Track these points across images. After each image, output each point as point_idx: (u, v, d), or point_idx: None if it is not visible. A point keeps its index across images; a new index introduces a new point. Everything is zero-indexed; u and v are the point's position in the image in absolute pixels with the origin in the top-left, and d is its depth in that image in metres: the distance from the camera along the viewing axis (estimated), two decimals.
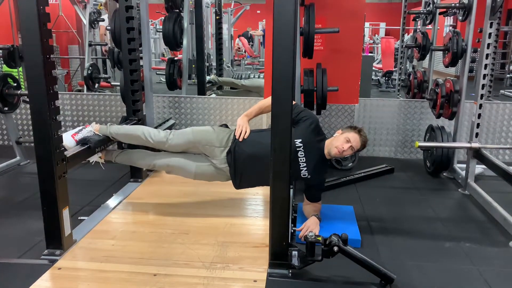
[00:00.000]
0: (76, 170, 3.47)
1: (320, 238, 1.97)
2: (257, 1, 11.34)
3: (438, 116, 3.52)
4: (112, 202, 2.84)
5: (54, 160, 2.01)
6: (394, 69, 8.66)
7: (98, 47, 6.82)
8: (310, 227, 2.37)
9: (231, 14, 9.97)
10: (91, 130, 2.54)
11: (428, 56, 4.72)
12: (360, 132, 2.47)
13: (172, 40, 4.39)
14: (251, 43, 13.99)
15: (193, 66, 6.60)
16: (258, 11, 14.02)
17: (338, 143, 2.42)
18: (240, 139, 2.45)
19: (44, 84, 1.92)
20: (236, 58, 11.78)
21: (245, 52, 12.80)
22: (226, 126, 2.64)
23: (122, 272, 1.98)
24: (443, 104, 3.42)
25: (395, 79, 8.05)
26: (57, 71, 7.69)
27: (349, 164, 3.74)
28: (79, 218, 2.60)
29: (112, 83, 5.56)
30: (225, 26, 9.03)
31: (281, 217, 1.95)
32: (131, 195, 2.97)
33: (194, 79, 7.07)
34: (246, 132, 2.47)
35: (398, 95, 6.18)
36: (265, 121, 3.97)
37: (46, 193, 2.04)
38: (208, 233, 2.40)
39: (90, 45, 5.81)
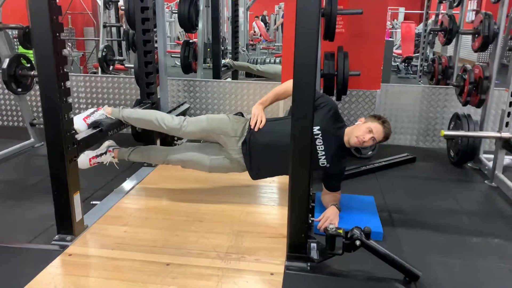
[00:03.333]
0: None
1: (341, 231, 1.87)
2: None
3: (465, 104, 3.34)
4: (125, 186, 2.78)
5: (64, 144, 1.93)
6: (414, 54, 8.37)
7: (113, 29, 6.73)
8: (330, 218, 2.27)
9: None
10: (103, 113, 2.46)
11: (454, 41, 4.50)
12: (384, 123, 2.33)
13: (187, 22, 4.28)
14: (267, 27, 13.74)
15: (208, 49, 6.47)
16: None
17: (359, 132, 2.29)
18: (256, 129, 2.35)
19: (53, 64, 1.84)
20: (251, 43, 11.57)
21: (260, 36, 12.58)
22: (241, 114, 2.54)
23: (134, 260, 1.91)
24: (471, 91, 3.24)
25: (415, 65, 7.79)
26: (73, 53, 7.67)
27: (369, 153, 3.60)
28: (91, 202, 2.56)
29: (126, 65, 5.48)
30: (241, 10, 8.83)
31: (300, 208, 1.86)
32: (145, 180, 2.90)
33: (209, 63, 6.95)
34: (261, 121, 2.36)
35: (420, 81, 5.96)
36: (281, 108, 3.84)
37: (57, 178, 1.98)
38: (222, 222, 2.32)
39: (104, 26, 5.73)
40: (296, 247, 1.91)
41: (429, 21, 7.40)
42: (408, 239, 2.29)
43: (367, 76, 3.46)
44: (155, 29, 3.26)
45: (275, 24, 13.35)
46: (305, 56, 1.71)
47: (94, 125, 2.36)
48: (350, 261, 1.94)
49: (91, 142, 2.25)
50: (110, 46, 5.61)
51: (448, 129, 3.63)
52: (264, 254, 1.99)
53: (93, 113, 2.43)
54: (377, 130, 2.30)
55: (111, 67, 5.30)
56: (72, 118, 2.01)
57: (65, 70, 1.92)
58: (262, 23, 13.11)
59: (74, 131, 2.05)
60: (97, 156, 2.56)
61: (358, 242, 1.83)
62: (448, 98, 3.89)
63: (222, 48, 6.30)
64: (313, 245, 1.97)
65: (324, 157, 2.32)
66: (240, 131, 2.39)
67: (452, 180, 3.22)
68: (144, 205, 2.58)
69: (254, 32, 12.64)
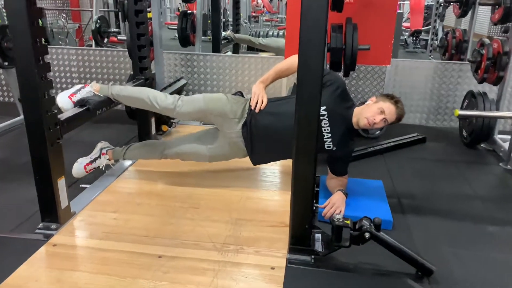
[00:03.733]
0: (82, 132, 3.25)
1: (348, 222, 1.71)
2: None
3: (481, 81, 3.12)
4: (118, 168, 2.61)
5: (45, 124, 1.76)
6: (422, 28, 8.03)
7: None
8: (336, 205, 2.11)
9: None
10: (90, 90, 2.26)
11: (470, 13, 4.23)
12: (397, 104, 2.14)
13: None
14: None
15: (209, 21, 6.18)
16: None
17: (370, 113, 2.10)
18: (257, 110, 2.16)
19: (29, 36, 1.64)
20: (254, 14, 11.16)
21: (263, 7, 12.14)
22: (240, 94, 2.34)
23: (123, 252, 1.77)
24: (488, 68, 3.02)
25: (423, 39, 7.46)
26: (68, 25, 7.38)
27: (377, 132, 3.41)
28: (81, 185, 2.40)
29: (118, 37, 5.21)
30: None
31: (304, 198, 1.69)
32: (139, 162, 2.73)
33: (209, 36, 6.67)
34: (263, 101, 2.17)
35: (430, 56, 5.70)
36: (284, 85, 3.63)
37: (38, 162, 1.82)
38: (220, 208, 2.16)
39: None
40: (299, 238, 1.76)
41: None
42: (419, 228, 2.14)
43: (376, 50, 3.21)
44: None
45: None
46: (312, 29, 1.50)
47: (80, 103, 2.17)
48: (358, 254, 1.79)
49: (76, 122, 2.06)
50: (105, 17, 5.33)
51: (462, 107, 3.42)
52: (265, 246, 1.84)
53: (79, 90, 2.24)
54: (390, 111, 2.11)
55: (105, 40, 5.04)
56: (53, 96, 1.82)
57: (43, 42, 1.72)
58: None
59: (56, 111, 1.86)
60: (91, 162, 2.41)
61: (367, 235, 1.67)
62: (462, 74, 3.67)
63: (223, 19, 6.01)
64: (318, 236, 1.82)
65: (330, 139, 2.14)
66: (239, 113, 2.20)
67: (465, 162, 3.04)
68: (137, 189, 2.42)
69: (257, 3, 12.19)
